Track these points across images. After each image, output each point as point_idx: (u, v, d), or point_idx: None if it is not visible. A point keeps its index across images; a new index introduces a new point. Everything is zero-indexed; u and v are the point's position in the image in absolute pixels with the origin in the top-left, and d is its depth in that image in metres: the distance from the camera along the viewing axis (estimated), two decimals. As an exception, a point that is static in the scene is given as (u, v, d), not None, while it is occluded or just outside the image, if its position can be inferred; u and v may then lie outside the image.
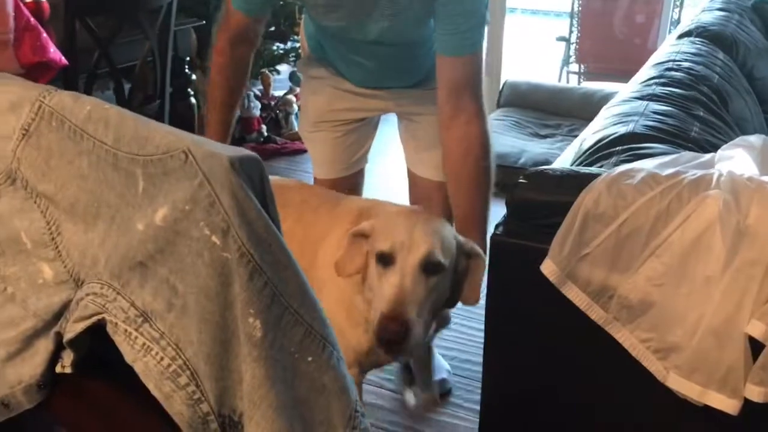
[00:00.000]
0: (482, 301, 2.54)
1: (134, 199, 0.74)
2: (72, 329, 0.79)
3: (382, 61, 1.68)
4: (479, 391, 2.10)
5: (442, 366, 2.20)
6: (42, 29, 2.18)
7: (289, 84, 4.10)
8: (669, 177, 1.26)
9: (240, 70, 1.67)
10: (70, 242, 0.82)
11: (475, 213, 1.51)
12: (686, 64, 2.03)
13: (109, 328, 0.75)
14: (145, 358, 0.71)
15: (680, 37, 2.45)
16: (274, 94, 4.06)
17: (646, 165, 1.31)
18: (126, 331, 0.73)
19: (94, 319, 0.76)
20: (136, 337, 0.72)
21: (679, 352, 1.20)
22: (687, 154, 1.38)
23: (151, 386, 0.71)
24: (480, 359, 2.23)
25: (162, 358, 0.70)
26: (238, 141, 3.82)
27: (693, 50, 2.21)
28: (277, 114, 4.02)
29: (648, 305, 1.23)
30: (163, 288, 0.70)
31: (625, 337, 1.26)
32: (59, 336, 0.88)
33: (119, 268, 0.75)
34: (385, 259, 1.28)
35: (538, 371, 1.38)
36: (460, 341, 2.38)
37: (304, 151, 3.92)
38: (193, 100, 3.09)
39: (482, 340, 2.32)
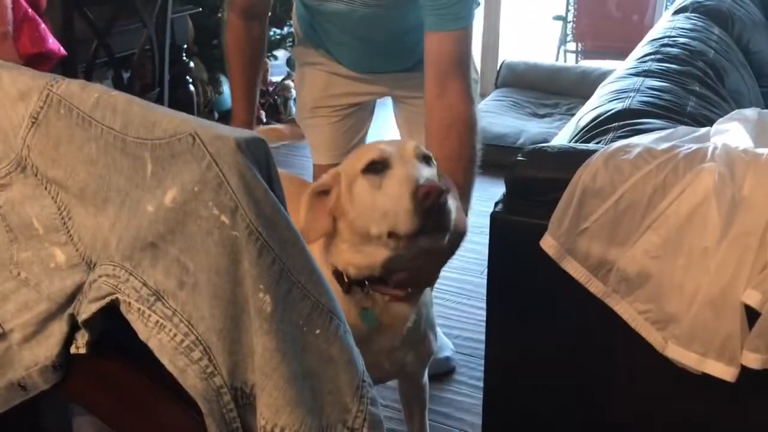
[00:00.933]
0: (485, 281, 2.57)
1: (143, 182, 0.76)
2: (87, 310, 0.82)
3: (370, 44, 1.68)
4: (482, 368, 2.14)
5: (445, 344, 2.23)
6: (40, 20, 2.19)
7: (287, 69, 4.11)
8: (665, 151, 1.28)
9: (254, 43, 1.67)
10: (81, 226, 0.85)
11: (458, 188, 1.40)
12: (682, 40, 2.04)
13: (123, 308, 0.78)
14: (158, 335, 0.74)
15: (676, 12, 2.46)
16: (272, 80, 4.07)
17: (642, 140, 1.33)
18: (139, 309, 0.76)
19: (108, 299, 0.79)
20: (149, 316, 0.75)
21: (677, 322, 1.22)
22: (682, 129, 1.40)
23: (165, 361, 0.74)
24: (482, 337, 2.27)
25: (175, 335, 0.73)
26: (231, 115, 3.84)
27: (689, 26, 2.22)
28: (275, 99, 4.03)
29: (646, 277, 1.26)
30: (174, 267, 0.73)
31: (624, 309, 1.29)
32: (73, 318, 0.90)
33: (130, 249, 0.77)
34: (377, 167, 1.17)
35: (540, 346, 1.41)
36: (462, 320, 2.41)
37: (303, 136, 3.95)
38: (191, 87, 3.11)
39: (484, 318, 2.36)
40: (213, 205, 0.69)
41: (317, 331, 0.72)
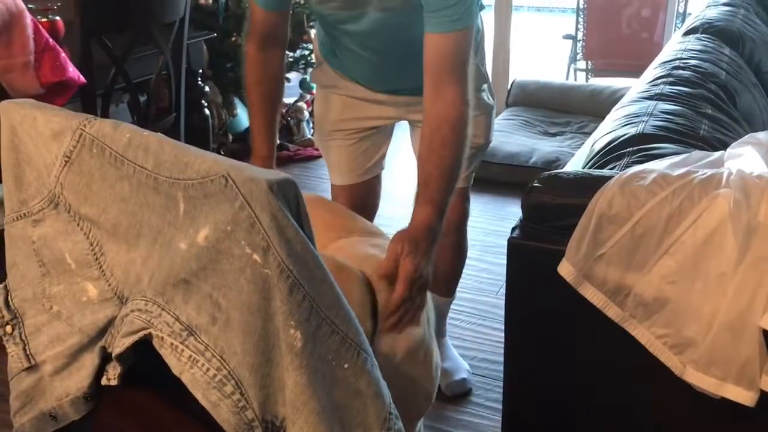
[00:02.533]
0: (501, 302, 2.57)
1: (175, 220, 0.78)
2: (120, 344, 0.84)
3: (385, 56, 1.69)
4: (499, 389, 2.15)
5: (461, 366, 2.24)
6: (60, 49, 2.24)
7: (300, 91, 4.15)
8: (680, 177, 1.29)
9: (272, 76, 1.66)
10: (113, 262, 0.87)
11: (434, 187, 1.39)
12: (693, 62, 2.06)
13: (156, 342, 0.80)
14: (191, 369, 0.76)
15: (686, 34, 2.48)
16: (285, 102, 4.11)
17: (657, 166, 1.35)
18: (172, 344, 0.78)
19: (141, 334, 0.81)
20: (182, 350, 0.77)
21: (695, 346, 1.23)
22: (696, 154, 1.41)
23: (199, 396, 0.76)
24: (498, 358, 2.28)
25: (208, 369, 0.75)
26: (251, 149, 3.87)
27: (699, 47, 2.24)
28: (288, 121, 4.07)
29: (663, 302, 1.27)
30: (207, 303, 0.75)
31: (642, 334, 1.30)
32: (104, 350, 0.93)
33: (163, 285, 0.80)
34: None
35: (558, 370, 1.42)
36: (478, 341, 2.42)
37: (317, 157, 3.97)
38: (206, 110, 3.15)
39: (500, 339, 2.37)
40: (245, 244, 0.71)
41: (346, 366, 0.74)
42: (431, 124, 1.41)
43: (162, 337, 0.79)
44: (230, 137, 3.80)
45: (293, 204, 0.72)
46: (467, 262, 2.20)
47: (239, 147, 3.87)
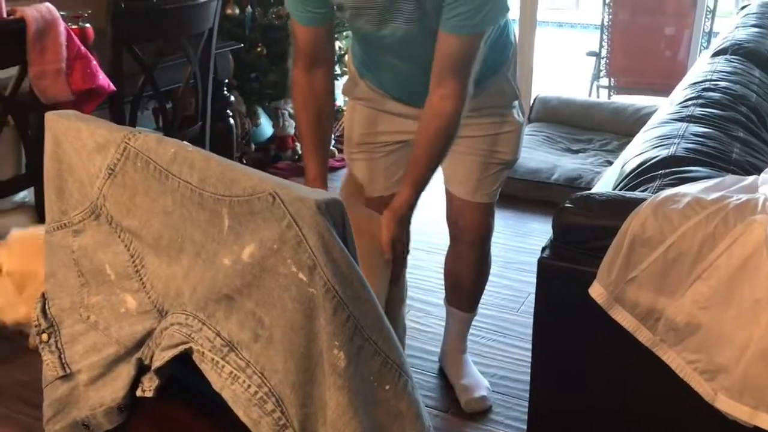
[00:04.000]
0: (527, 320, 2.56)
1: (219, 235, 0.79)
2: (160, 357, 0.84)
3: (415, 64, 1.70)
4: (519, 407, 2.14)
5: (481, 383, 2.22)
6: (91, 57, 2.26)
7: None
8: (714, 201, 1.29)
9: (320, 98, 1.68)
10: (153, 275, 0.88)
11: (418, 168, 1.63)
12: (723, 84, 2.05)
13: (196, 357, 0.81)
14: (232, 385, 0.76)
15: (715, 54, 2.47)
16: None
17: (691, 189, 1.34)
18: (213, 359, 0.78)
19: (182, 347, 0.82)
20: (222, 366, 0.77)
21: (727, 373, 1.22)
22: (730, 178, 1.40)
23: (240, 412, 0.76)
24: (519, 376, 2.27)
25: (249, 386, 0.75)
26: (273, 159, 3.89)
27: (729, 69, 2.23)
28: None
29: (694, 327, 1.26)
30: (249, 320, 0.75)
31: (672, 359, 1.29)
32: (140, 362, 0.93)
33: (205, 300, 0.80)
34: None
35: (586, 393, 1.41)
36: (498, 358, 2.40)
37: (338, 168, 3.98)
38: (231, 121, 3.17)
39: (520, 357, 2.36)
40: (291, 263, 0.71)
41: (387, 387, 0.74)
42: (430, 111, 1.60)
43: (203, 352, 0.79)
44: (253, 146, 3.82)
45: (339, 224, 0.72)
46: (489, 278, 2.19)
47: (261, 156, 3.89)
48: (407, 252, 1.73)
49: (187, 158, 0.82)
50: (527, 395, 2.15)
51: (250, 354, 0.76)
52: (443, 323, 2.31)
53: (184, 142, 0.86)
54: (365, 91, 1.87)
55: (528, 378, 2.24)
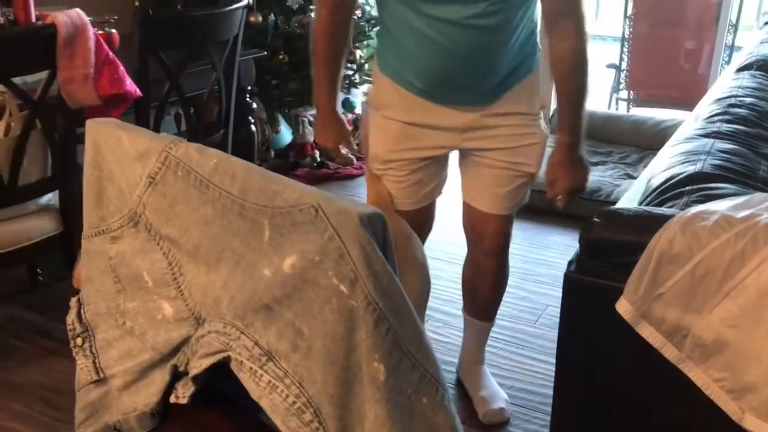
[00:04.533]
0: (545, 332, 2.55)
1: (259, 246, 0.80)
2: (198, 365, 0.85)
3: (457, 43, 1.68)
4: (537, 420, 2.13)
5: (499, 395, 2.22)
6: (119, 63, 2.29)
7: (341, 110, 4.18)
8: (743, 220, 1.28)
9: (340, 29, 1.79)
10: (191, 282, 0.89)
11: (565, 112, 1.74)
12: (749, 100, 2.05)
13: (234, 366, 0.81)
14: (271, 395, 0.77)
15: (739, 70, 2.46)
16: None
17: (719, 207, 1.34)
18: (251, 368, 0.79)
19: (220, 356, 0.83)
20: (261, 375, 0.78)
21: (756, 393, 1.22)
22: (759, 196, 1.40)
23: (278, 421, 0.76)
24: (537, 389, 2.27)
25: (287, 396, 0.76)
26: (292, 166, 3.91)
27: (754, 84, 2.22)
28: (328, 139, 4.10)
29: (722, 345, 1.26)
30: (289, 330, 0.76)
31: (699, 376, 1.29)
32: (175, 368, 0.95)
33: (243, 309, 0.81)
34: None
35: (611, 408, 1.41)
36: (516, 370, 2.40)
37: (356, 176, 4.00)
38: (252, 127, 3.19)
39: (538, 369, 2.35)
40: (333, 275, 0.72)
41: (424, 400, 0.74)
42: (553, 56, 1.69)
43: (241, 361, 0.80)
44: (272, 153, 3.84)
45: (380, 237, 0.73)
46: (507, 289, 2.19)
47: (280, 163, 3.91)
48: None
49: (229, 169, 0.83)
50: (545, 408, 2.15)
51: (288, 364, 0.76)
52: (461, 334, 2.31)
53: (227, 153, 0.87)
54: (389, 93, 1.81)
55: (546, 391, 2.25)
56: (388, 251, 0.74)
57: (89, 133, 0.98)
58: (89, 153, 0.98)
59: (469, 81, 1.75)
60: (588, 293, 1.38)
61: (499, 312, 2.22)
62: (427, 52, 1.72)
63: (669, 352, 1.29)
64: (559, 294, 1.45)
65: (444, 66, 1.72)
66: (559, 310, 1.46)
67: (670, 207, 1.45)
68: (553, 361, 1.52)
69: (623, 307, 1.31)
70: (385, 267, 0.72)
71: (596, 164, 3.79)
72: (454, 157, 1.99)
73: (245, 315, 0.81)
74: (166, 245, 0.91)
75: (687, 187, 1.50)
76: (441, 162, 1.95)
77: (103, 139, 0.97)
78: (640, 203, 1.58)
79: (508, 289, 2.19)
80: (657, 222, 1.32)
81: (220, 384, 0.94)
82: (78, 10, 2.20)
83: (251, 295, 0.80)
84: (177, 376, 0.94)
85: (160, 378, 0.94)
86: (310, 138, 3.96)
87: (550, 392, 1.61)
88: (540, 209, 3.47)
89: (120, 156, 0.95)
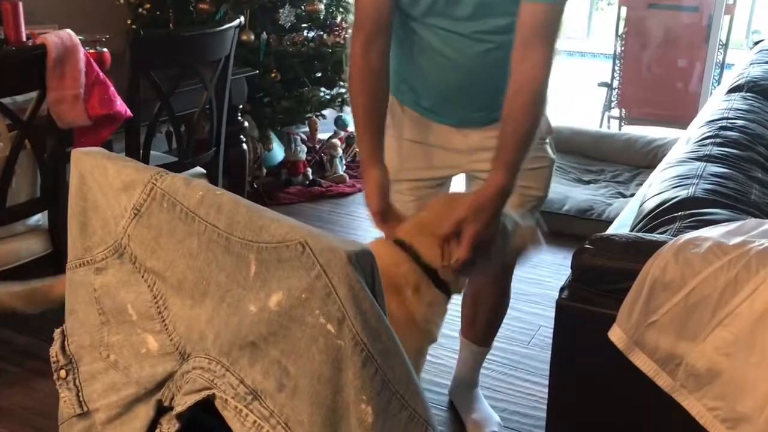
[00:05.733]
0: (538, 353, 2.53)
1: (245, 281, 0.78)
2: (182, 402, 0.83)
3: (465, 60, 1.65)
4: (531, 444, 2.11)
5: (492, 418, 2.20)
6: (109, 83, 2.28)
7: (334, 128, 4.18)
8: (736, 247, 1.28)
9: (375, 73, 1.60)
10: (176, 316, 0.87)
11: (508, 149, 1.51)
12: (740, 122, 2.05)
13: (218, 403, 0.80)
14: (256, 435, 0.75)
15: (730, 91, 2.47)
16: (320, 138, 4.15)
17: (712, 233, 1.34)
18: (236, 407, 0.77)
19: (204, 393, 0.81)
20: (246, 414, 0.76)
21: (750, 423, 1.20)
22: (751, 222, 1.40)
23: (264, 463, 0.75)
24: (529, 411, 2.25)
25: (273, 436, 0.74)
26: (284, 184, 3.90)
27: (745, 106, 2.23)
28: (321, 157, 4.10)
29: (716, 374, 1.25)
30: (275, 369, 0.74)
31: (693, 405, 1.27)
32: (160, 403, 0.92)
33: (229, 345, 0.79)
34: None
35: (603, 435, 1.39)
36: (509, 392, 2.38)
37: (349, 194, 3.99)
38: (244, 146, 3.18)
39: (531, 392, 2.34)
40: (320, 314, 0.71)
41: (413, 441, 0.73)
42: (515, 85, 1.51)
43: (226, 399, 0.78)
44: (264, 171, 3.83)
45: (369, 275, 0.71)
46: (499, 309, 2.18)
47: (272, 180, 3.90)
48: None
49: (215, 202, 0.82)
50: (539, 431, 2.13)
51: (274, 404, 0.75)
52: (455, 356, 2.29)
53: (217, 186, 0.86)
54: (392, 116, 1.76)
55: (539, 413, 2.23)
56: (377, 290, 0.73)
57: (75, 163, 0.97)
58: (74, 183, 0.97)
59: (476, 97, 1.72)
60: (580, 320, 1.37)
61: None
62: (435, 67, 1.68)
63: (662, 381, 1.28)
64: (551, 314, 1.42)
65: (452, 81, 1.68)
66: (551, 330, 1.44)
67: (662, 232, 1.44)
68: (546, 382, 1.50)
69: (616, 334, 1.30)
70: (374, 306, 0.71)
71: (588, 182, 3.79)
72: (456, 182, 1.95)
73: (231, 352, 0.79)
74: (150, 278, 0.89)
75: (679, 212, 1.50)
76: (446, 188, 1.90)
77: (88, 170, 0.95)
78: (633, 228, 1.57)
79: (500, 309, 2.17)
80: (649, 249, 1.31)
81: (205, 420, 0.92)
82: (69, 30, 2.20)
83: (237, 331, 0.78)
84: (161, 411, 0.92)
85: (144, 413, 0.92)
86: (302, 156, 3.95)
87: (543, 414, 1.59)
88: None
89: (105, 187, 0.93)
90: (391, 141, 1.81)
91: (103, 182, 0.94)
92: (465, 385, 2.25)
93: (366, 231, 3.25)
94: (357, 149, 1.69)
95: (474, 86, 1.69)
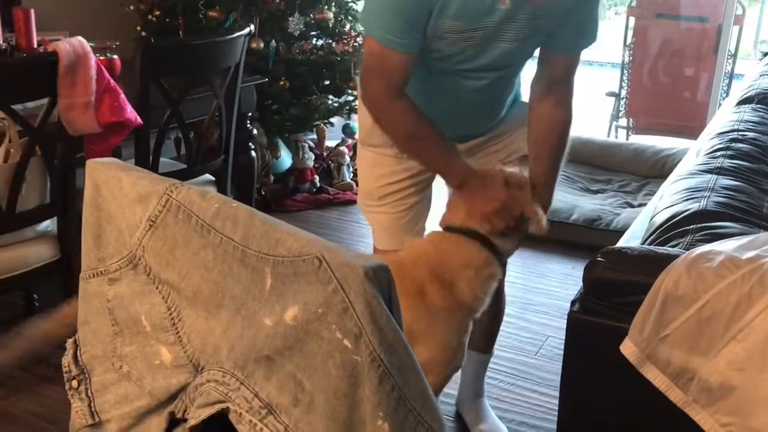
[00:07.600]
0: (546, 363, 2.52)
1: (261, 294, 0.78)
2: (196, 415, 0.83)
3: (480, 94, 1.68)
4: (538, 455, 2.10)
5: (499, 428, 2.19)
6: (120, 90, 2.28)
7: (342, 135, 4.19)
8: (749, 261, 1.27)
9: (414, 106, 1.59)
10: (190, 328, 0.87)
11: (548, 181, 1.71)
12: (751, 135, 2.04)
13: (232, 417, 0.79)
14: (271, 450, 0.75)
15: (740, 103, 2.47)
16: (327, 145, 4.15)
17: (725, 247, 1.33)
18: (251, 421, 0.77)
19: (218, 407, 0.80)
20: (261, 429, 0.76)
21: (763, 439, 1.20)
22: (764, 236, 1.39)
23: (278, 479, 0.74)
24: (537, 422, 2.24)
25: (288, 452, 0.74)
26: (292, 191, 3.90)
27: (756, 118, 2.22)
28: (329, 164, 4.10)
29: (729, 389, 1.24)
30: (290, 383, 0.74)
31: (705, 420, 1.27)
32: (173, 415, 0.92)
33: (243, 359, 0.79)
34: None
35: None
36: (517, 403, 2.37)
37: (356, 201, 3.98)
38: (253, 153, 3.18)
39: (539, 402, 2.33)
40: (336, 329, 0.70)
41: (428, 457, 0.72)
42: (546, 121, 1.67)
43: (240, 413, 0.78)
44: (272, 178, 3.84)
45: (386, 290, 0.71)
46: (506, 319, 2.17)
47: (280, 188, 3.90)
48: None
49: (231, 214, 0.82)
50: (548, 443, 2.12)
51: (289, 418, 0.74)
52: (461, 366, 2.28)
53: (231, 198, 0.86)
54: (382, 140, 1.80)
55: (547, 425, 2.22)
56: (394, 305, 0.72)
57: (89, 173, 0.97)
58: (89, 193, 0.97)
59: (476, 122, 1.77)
60: (591, 333, 1.37)
61: (499, 343, 2.20)
62: (438, 95, 1.69)
63: (674, 395, 1.27)
64: (560, 324, 1.43)
65: (451, 109, 1.71)
66: (559, 340, 1.44)
67: (674, 245, 1.44)
68: (555, 393, 1.49)
69: (628, 348, 1.29)
70: (391, 322, 0.70)
71: (596, 192, 3.78)
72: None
73: (245, 365, 0.79)
74: (165, 289, 0.89)
75: (691, 226, 1.49)
76: (428, 199, 1.92)
77: (103, 181, 0.95)
78: (644, 241, 1.56)
79: (508, 319, 2.17)
80: (662, 262, 1.30)
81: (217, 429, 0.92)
82: (80, 38, 2.21)
83: (252, 344, 0.78)
84: (174, 423, 0.92)
85: (156, 424, 0.92)
86: (310, 163, 3.95)
87: (552, 426, 1.59)
88: (539, 237, 3.45)
89: (120, 198, 0.93)
90: (377, 156, 1.82)
91: (118, 193, 0.94)
92: (471, 395, 2.24)
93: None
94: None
95: (473, 113, 1.75)
